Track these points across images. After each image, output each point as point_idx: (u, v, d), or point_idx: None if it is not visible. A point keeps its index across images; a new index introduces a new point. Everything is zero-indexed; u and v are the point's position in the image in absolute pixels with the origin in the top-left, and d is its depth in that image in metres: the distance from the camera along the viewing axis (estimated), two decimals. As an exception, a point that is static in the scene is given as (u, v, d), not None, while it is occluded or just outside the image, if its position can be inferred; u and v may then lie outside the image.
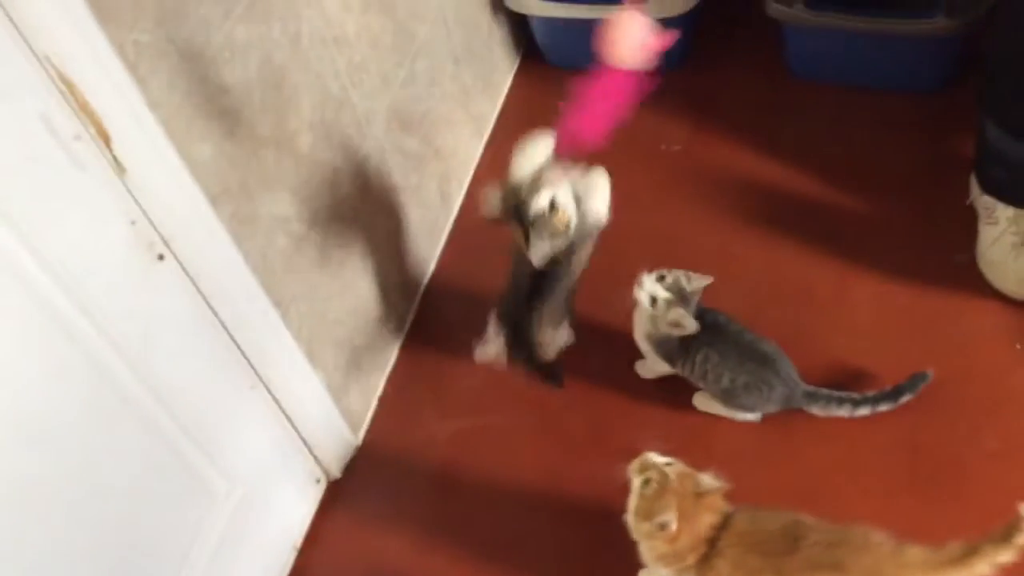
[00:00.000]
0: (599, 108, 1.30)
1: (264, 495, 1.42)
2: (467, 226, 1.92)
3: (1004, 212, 1.62)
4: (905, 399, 1.45)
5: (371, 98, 1.60)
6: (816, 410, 1.48)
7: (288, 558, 1.49)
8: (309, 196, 1.44)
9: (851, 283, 1.68)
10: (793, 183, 1.85)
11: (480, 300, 1.79)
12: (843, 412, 1.47)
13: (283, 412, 1.43)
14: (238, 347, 1.31)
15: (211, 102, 1.23)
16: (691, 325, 1.44)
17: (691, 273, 1.47)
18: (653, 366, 1.58)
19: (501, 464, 1.57)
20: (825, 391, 1.48)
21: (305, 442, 1.49)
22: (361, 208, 1.59)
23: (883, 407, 1.46)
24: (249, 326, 1.31)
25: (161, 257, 1.18)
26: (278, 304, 1.36)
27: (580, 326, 1.62)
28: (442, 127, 1.88)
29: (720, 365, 1.46)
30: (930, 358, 1.50)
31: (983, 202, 1.66)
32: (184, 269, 1.21)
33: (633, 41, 1.27)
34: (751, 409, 1.52)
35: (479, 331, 1.74)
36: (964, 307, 1.61)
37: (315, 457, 1.53)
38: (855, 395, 1.47)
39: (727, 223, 1.82)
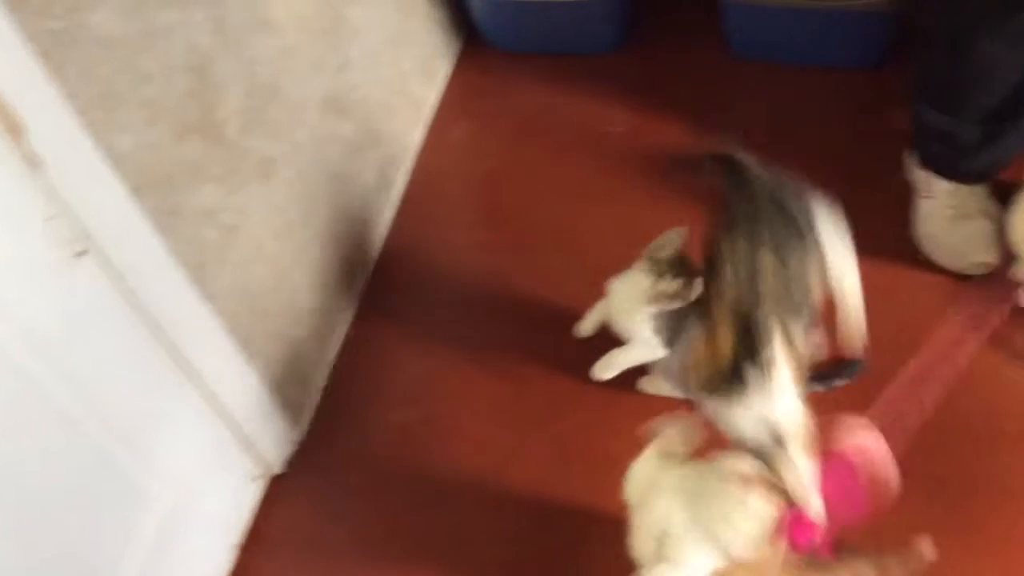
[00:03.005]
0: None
1: (200, 494, 1.39)
2: (412, 213, 1.89)
3: (940, 186, 1.63)
4: (839, 383, 1.45)
5: (304, 84, 1.56)
6: None
7: (228, 557, 1.45)
8: (239, 187, 1.40)
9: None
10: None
11: (424, 289, 1.78)
12: None
13: (217, 408, 1.39)
14: (167, 343, 1.27)
15: (132, 91, 1.19)
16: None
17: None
18: (660, 382, 1.53)
19: (448, 455, 1.55)
20: None
21: (242, 438, 1.45)
22: (296, 197, 1.55)
23: (816, 388, 1.45)
24: (178, 322, 1.28)
25: (81, 254, 1.13)
26: (210, 298, 1.32)
27: (537, 316, 1.62)
28: (380, 113, 1.84)
29: None
30: (869, 329, 1.51)
31: (919, 177, 1.67)
32: (106, 265, 1.16)
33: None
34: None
35: (424, 320, 1.73)
36: (903, 279, 1.63)
37: (254, 453, 1.49)
38: None
39: (670, 205, 1.80)
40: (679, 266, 1.41)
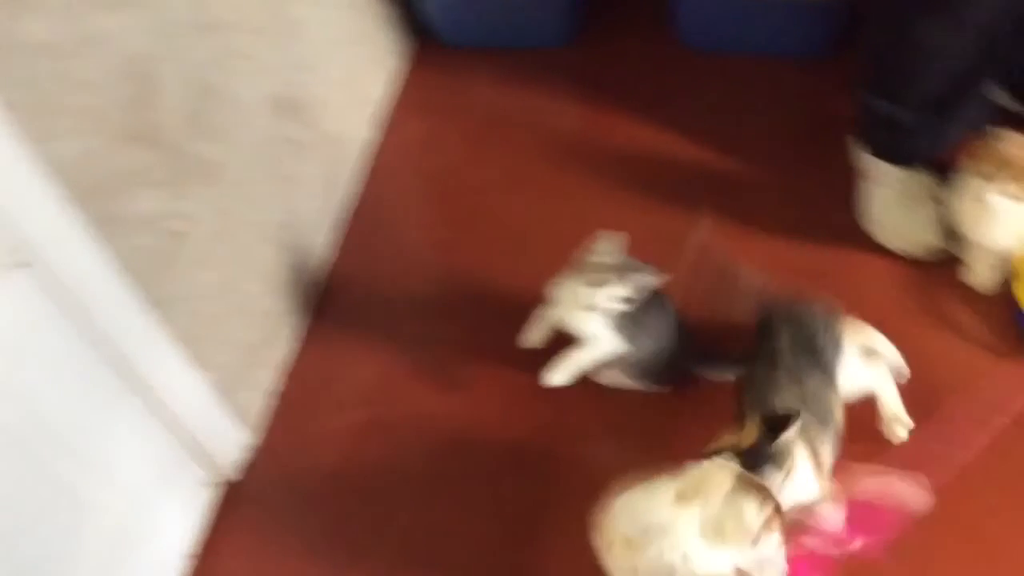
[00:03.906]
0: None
1: (151, 504, 1.37)
2: (366, 213, 1.88)
3: (885, 170, 1.65)
4: None
5: (251, 86, 1.54)
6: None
7: (181, 567, 1.44)
8: (184, 192, 1.38)
9: (749, 247, 1.69)
10: (688, 154, 1.87)
11: (379, 289, 1.77)
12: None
13: (166, 416, 1.37)
14: (112, 353, 1.25)
15: (69, 98, 1.16)
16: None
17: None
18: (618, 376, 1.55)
19: (403, 456, 1.54)
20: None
21: (193, 446, 1.44)
22: (245, 200, 1.53)
23: None
24: (123, 330, 1.26)
25: (20, 265, 1.11)
26: (156, 305, 1.30)
27: (493, 313, 1.61)
28: (331, 113, 1.83)
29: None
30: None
31: (865, 161, 1.69)
32: (47, 275, 1.14)
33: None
34: (662, 383, 1.54)
35: (379, 320, 1.72)
36: (855, 265, 1.65)
37: (206, 460, 1.47)
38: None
39: (625, 198, 1.81)
40: (623, 270, 1.42)
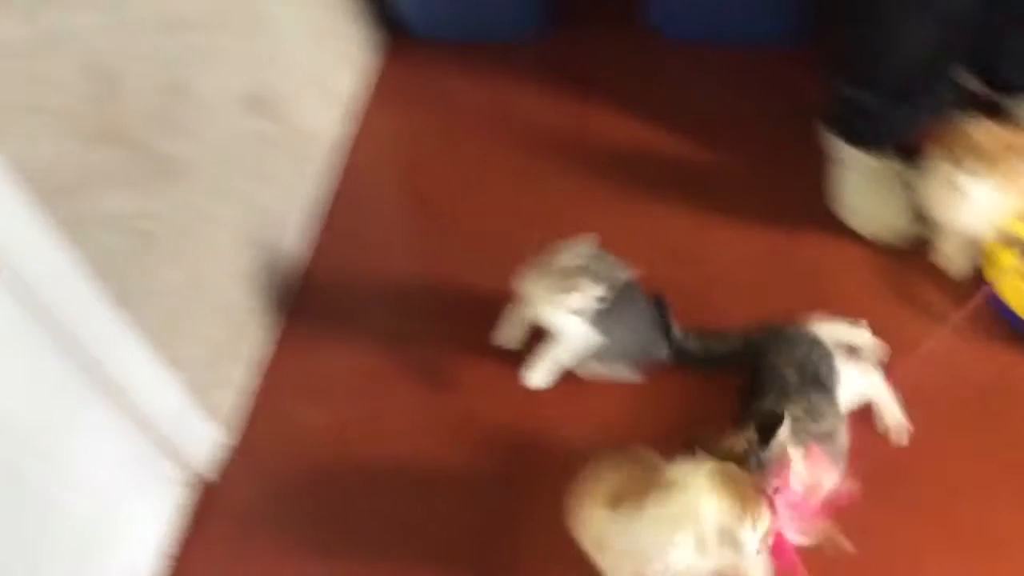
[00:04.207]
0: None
1: (123, 504, 1.36)
2: (339, 209, 1.87)
3: (857, 157, 1.66)
4: None
5: (218, 82, 1.54)
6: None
7: (158, 567, 1.43)
8: (153, 191, 1.37)
9: (722, 236, 1.71)
10: (660, 142, 1.87)
11: (353, 285, 1.76)
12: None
13: (137, 416, 1.36)
14: (80, 353, 1.24)
15: (30, 98, 1.16)
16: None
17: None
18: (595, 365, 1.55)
19: (380, 449, 1.54)
20: None
21: (165, 444, 1.43)
22: (214, 198, 1.52)
23: None
24: (92, 330, 1.25)
25: (-14, 269, 1.10)
26: (124, 304, 1.29)
27: (468, 308, 1.61)
28: (302, 109, 1.82)
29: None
30: (798, 302, 1.54)
31: (837, 148, 1.70)
32: (13, 278, 1.13)
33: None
34: (638, 372, 1.54)
35: (353, 316, 1.72)
36: (828, 252, 1.66)
37: (178, 459, 1.46)
38: None
39: (598, 187, 1.81)
40: (596, 268, 1.43)
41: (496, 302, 1.57)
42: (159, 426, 1.40)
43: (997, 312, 1.54)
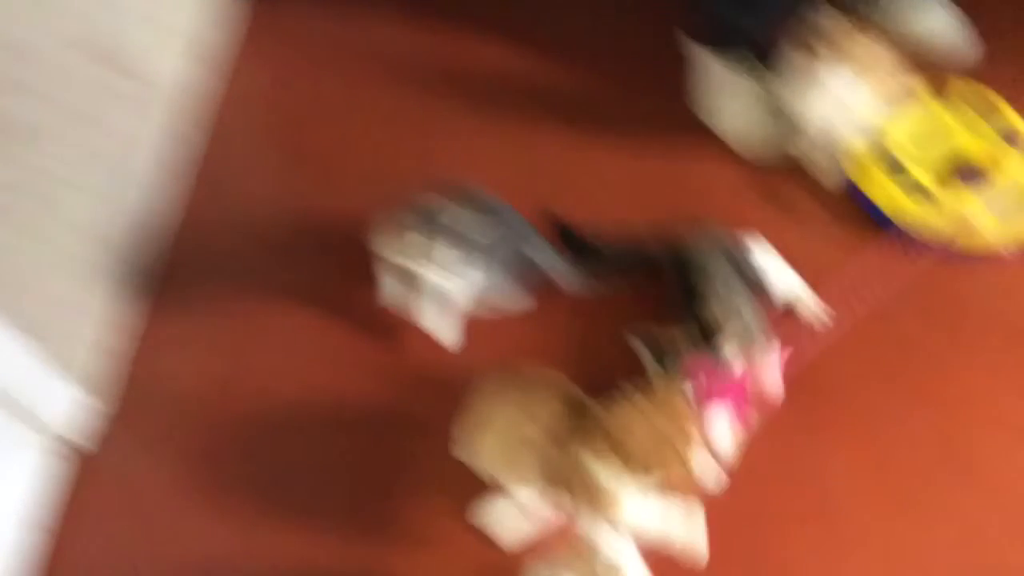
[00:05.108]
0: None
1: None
2: (212, 165, 1.80)
3: (713, 59, 1.67)
4: None
5: (63, 39, 1.45)
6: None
7: (36, 541, 1.39)
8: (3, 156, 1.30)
9: (597, 163, 1.71)
10: (527, 67, 1.85)
11: (231, 241, 1.71)
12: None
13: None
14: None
15: None
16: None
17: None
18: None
19: (266, 410, 1.51)
20: None
21: (30, 417, 1.37)
22: (70, 161, 1.46)
23: None
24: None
25: None
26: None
27: (346, 253, 1.60)
28: (164, 64, 1.75)
29: None
30: (679, 215, 1.57)
31: (694, 52, 1.71)
32: None
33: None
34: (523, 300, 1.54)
35: (234, 269, 1.67)
36: (702, 169, 1.67)
37: (48, 432, 1.41)
38: None
39: (467, 115, 1.80)
40: (451, 223, 1.42)
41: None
42: (23, 402, 1.34)
43: (862, 208, 1.57)
